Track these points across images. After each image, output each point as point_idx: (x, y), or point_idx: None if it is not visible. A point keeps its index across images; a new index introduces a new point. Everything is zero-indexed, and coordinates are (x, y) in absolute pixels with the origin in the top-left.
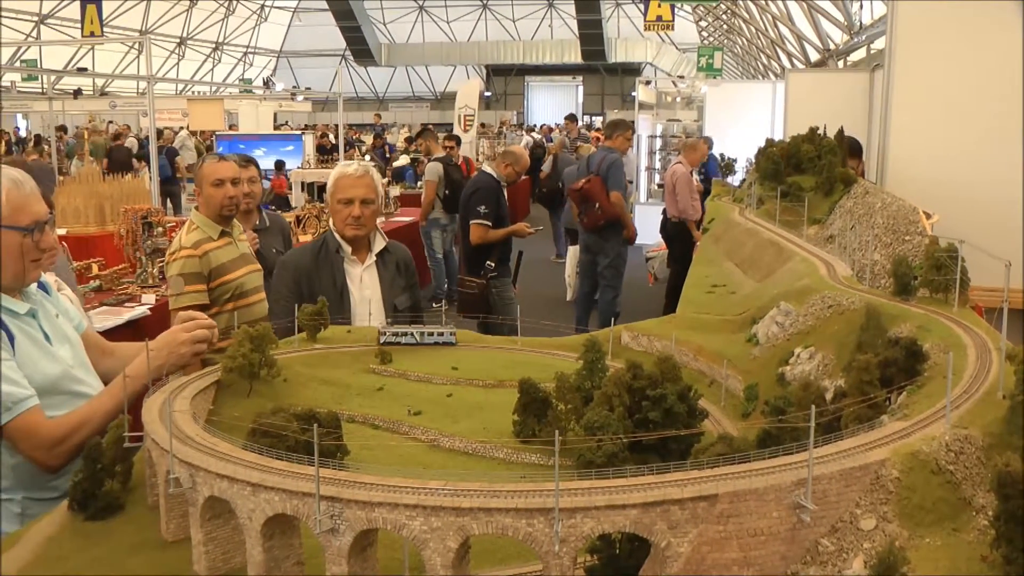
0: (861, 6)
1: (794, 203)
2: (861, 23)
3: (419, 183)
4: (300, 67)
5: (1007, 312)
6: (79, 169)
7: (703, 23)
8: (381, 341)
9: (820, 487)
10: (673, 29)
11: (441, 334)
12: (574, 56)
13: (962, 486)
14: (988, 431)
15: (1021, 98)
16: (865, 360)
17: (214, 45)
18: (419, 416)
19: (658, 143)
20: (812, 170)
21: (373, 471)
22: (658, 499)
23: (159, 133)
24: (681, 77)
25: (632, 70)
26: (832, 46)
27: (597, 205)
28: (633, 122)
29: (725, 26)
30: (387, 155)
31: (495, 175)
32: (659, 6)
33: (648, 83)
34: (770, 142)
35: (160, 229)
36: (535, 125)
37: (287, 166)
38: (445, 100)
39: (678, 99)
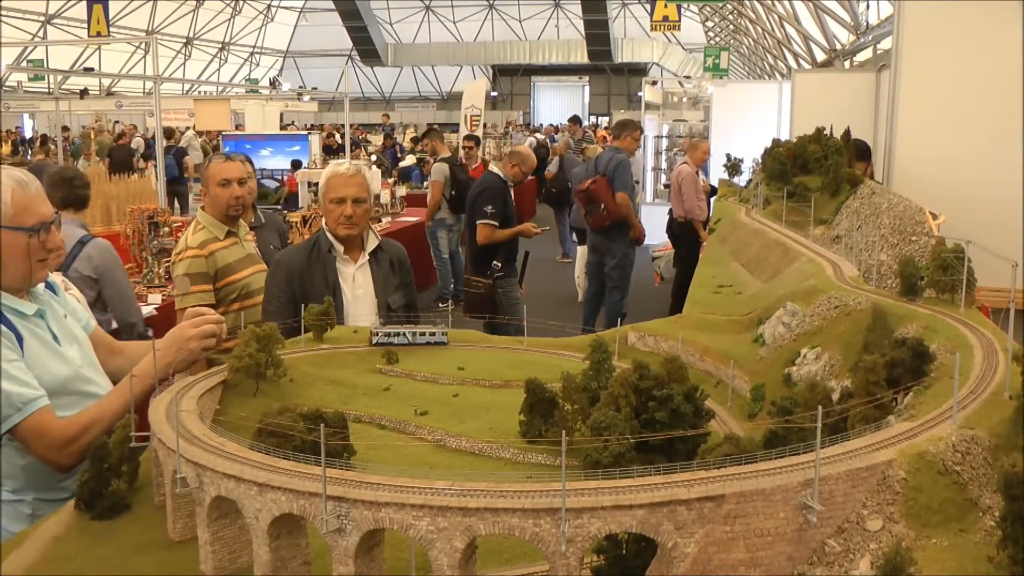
0: (867, 6)
1: (800, 203)
2: (867, 23)
3: (425, 183)
4: (306, 67)
5: (1014, 313)
6: (85, 169)
7: (709, 23)
8: (373, 342)
9: (827, 488)
10: (679, 29)
11: (433, 334)
12: (580, 56)
13: (969, 487)
14: (995, 432)
15: None
16: (872, 361)
17: (220, 45)
18: (425, 416)
19: (664, 143)
20: (818, 170)
21: (380, 471)
22: (665, 499)
23: (169, 133)
24: (687, 77)
25: (638, 70)
26: (838, 46)
27: (603, 206)
28: (640, 123)
29: (731, 26)
30: (398, 156)
31: (502, 175)
32: (665, 6)
33: (654, 83)
34: (776, 142)
35: (166, 229)
36: (540, 125)
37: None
38: (451, 100)
39: (684, 99)
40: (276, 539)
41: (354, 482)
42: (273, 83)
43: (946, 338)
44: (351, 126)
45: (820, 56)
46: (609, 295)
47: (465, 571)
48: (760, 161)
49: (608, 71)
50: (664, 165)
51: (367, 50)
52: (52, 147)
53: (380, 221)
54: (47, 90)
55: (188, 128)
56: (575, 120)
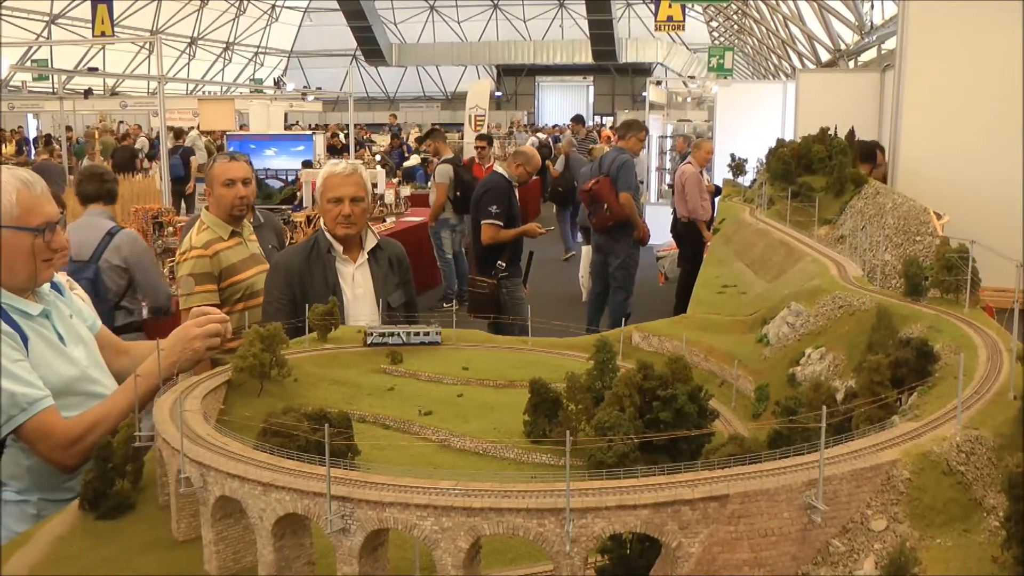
0: (872, 6)
1: (805, 203)
2: (872, 23)
3: (428, 183)
4: (311, 67)
5: (1018, 313)
6: None
7: (714, 23)
8: (367, 342)
9: (831, 488)
10: (684, 29)
11: (427, 334)
12: (585, 56)
13: (973, 487)
14: (999, 432)
15: None
16: (876, 361)
17: (225, 45)
18: (430, 416)
19: (668, 143)
20: (823, 170)
21: (384, 471)
22: (669, 499)
23: (179, 133)
24: (692, 77)
25: (643, 70)
26: (843, 46)
27: (606, 206)
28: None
29: (736, 26)
30: (405, 156)
31: (506, 175)
32: (670, 6)
33: (659, 83)
34: (781, 142)
35: (170, 229)
36: (545, 124)
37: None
38: (456, 100)
39: (689, 99)
40: (280, 539)
41: (358, 482)
42: (277, 83)
43: (950, 338)
44: (356, 126)
45: (824, 56)
46: (613, 295)
47: (469, 571)
48: (764, 161)
49: (612, 71)
50: (668, 165)
51: (371, 50)
52: (56, 147)
53: (384, 221)
54: (51, 90)
55: (192, 128)
56: (577, 120)
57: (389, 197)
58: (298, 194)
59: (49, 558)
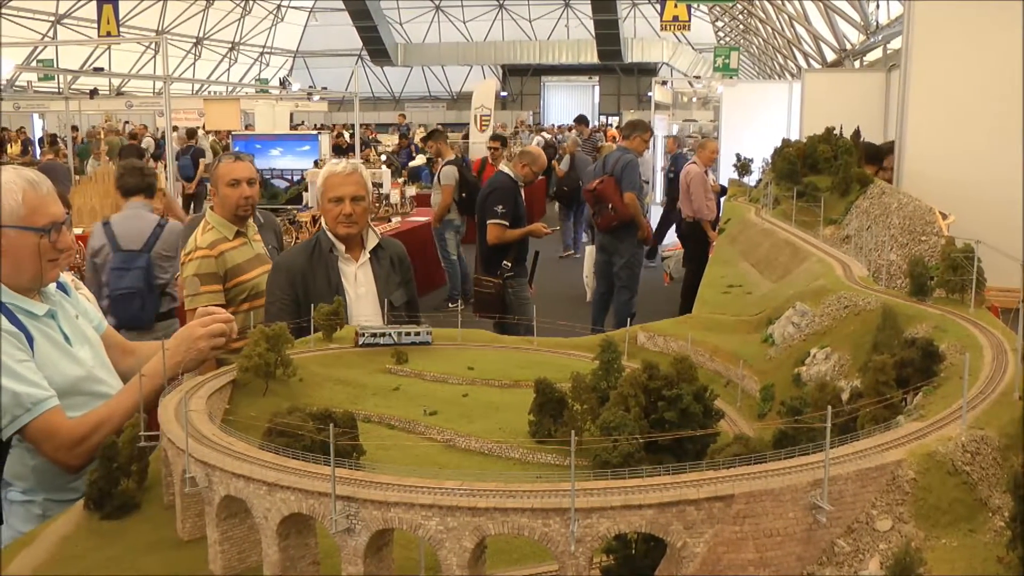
0: (878, 6)
1: (810, 203)
2: (877, 23)
3: (432, 182)
4: (316, 67)
5: (1023, 313)
6: (95, 169)
7: (719, 23)
8: (360, 343)
9: (836, 488)
10: (689, 29)
11: (418, 334)
12: (590, 56)
13: (978, 487)
14: (1004, 432)
15: None
16: (881, 361)
17: (230, 45)
18: (435, 416)
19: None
20: (828, 170)
21: (389, 471)
22: (674, 499)
23: (191, 133)
24: (697, 77)
25: (648, 70)
26: (848, 46)
27: (610, 206)
28: (649, 123)
29: (741, 26)
30: (413, 156)
31: (512, 175)
32: (675, 6)
33: (664, 83)
34: (786, 142)
35: None
36: (552, 125)
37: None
38: (461, 100)
39: (694, 99)
40: (285, 539)
41: (363, 482)
42: (283, 83)
43: (956, 338)
44: (364, 125)
45: (830, 56)
46: (618, 295)
47: (474, 571)
48: (770, 161)
49: (618, 71)
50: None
51: (377, 50)
52: (62, 147)
53: (390, 221)
54: (57, 90)
55: (198, 128)
56: (581, 120)
57: (395, 197)
58: (304, 194)
59: (54, 558)
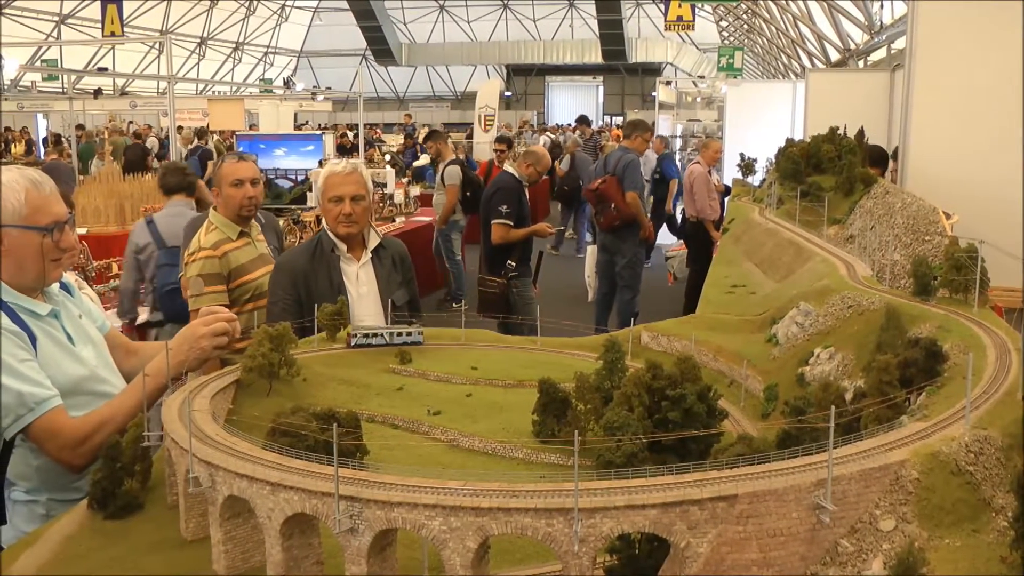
0: (882, 6)
1: (814, 203)
2: (881, 22)
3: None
4: (320, 67)
5: None
6: (99, 169)
7: (723, 23)
8: (351, 343)
9: (840, 488)
10: (693, 29)
11: (410, 334)
12: (594, 56)
13: (982, 487)
14: (1007, 432)
15: None
16: (885, 360)
17: (234, 45)
18: (438, 416)
19: (678, 143)
20: (832, 170)
21: (392, 471)
22: (678, 499)
23: (201, 133)
24: (701, 77)
25: (652, 70)
26: (852, 46)
27: (613, 205)
28: (654, 123)
29: (745, 26)
30: (418, 156)
31: (516, 175)
32: (680, 6)
33: (668, 83)
34: (790, 142)
35: None
36: (557, 125)
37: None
38: (465, 100)
39: (698, 99)
40: (289, 538)
41: (367, 482)
42: (287, 83)
43: (959, 338)
44: (371, 125)
45: (834, 56)
46: (620, 294)
47: (478, 571)
48: (774, 161)
49: (622, 71)
50: (678, 165)
51: (381, 50)
52: (66, 146)
53: (394, 221)
54: (61, 90)
55: (202, 128)
56: (583, 120)
57: (399, 197)
58: (308, 194)
59: (58, 557)
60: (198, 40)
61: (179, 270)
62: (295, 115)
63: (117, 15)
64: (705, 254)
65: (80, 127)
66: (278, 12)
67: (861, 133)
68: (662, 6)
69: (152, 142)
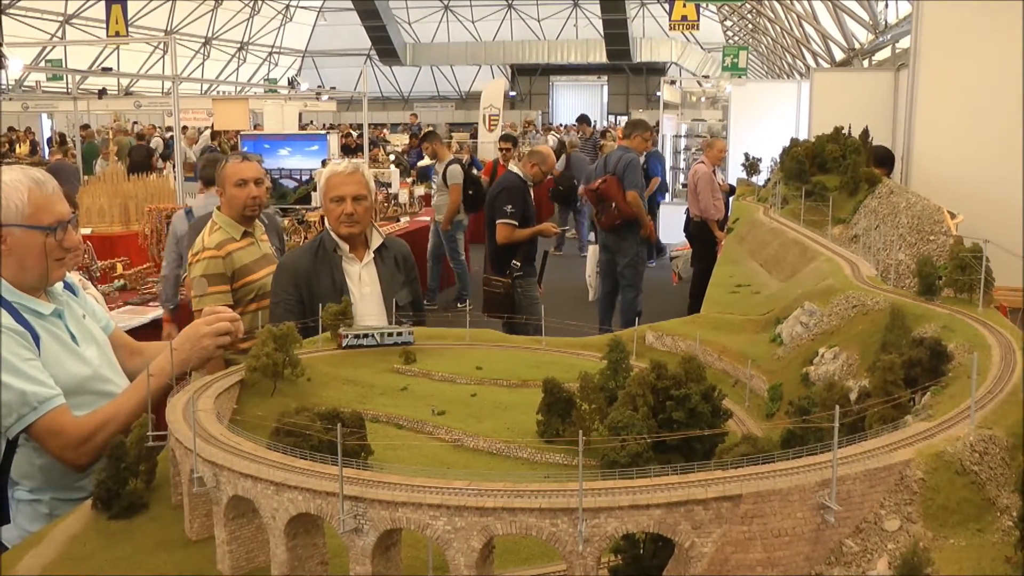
0: (886, 5)
1: (819, 203)
2: (886, 22)
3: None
4: (325, 67)
5: None
6: (103, 169)
7: (728, 23)
8: (343, 344)
9: (844, 488)
10: (698, 29)
11: (400, 334)
12: (599, 56)
13: (986, 487)
14: (1012, 431)
15: None
16: (889, 360)
17: (239, 45)
18: (443, 416)
19: (683, 143)
20: (837, 170)
21: (397, 471)
22: (682, 499)
23: (214, 134)
24: (706, 77)
25: (657, 70)
26: (857, 45)
27: (613, 205)
28: (658, 123)
29: (750, 25)
30: (423, 156)
31: (521, 175)
32: (684, 6)
33: (673, 83)
34: (795, 142)
35: None
36: (560, 125)
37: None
38: (470, 100)
39: (703, 99)
40: (293, 539)
41: (371, 482)
42: (292, 83)
43: (964, 338)
44: (375, 125)
45: (839, 55)
46: (623, 293)
47: (482, 571)
48: (778, 160)
49: (627, 71)
50: (683, 164)
51: (385, 49)
52: (71, 146)
53: (398, 221)
54: (65, 90)
55: (206, 128)
56: (583, 120)
57: (403, 196)
58: (312, 194)
59: (62, 557)
60: (202, 40)
61: None
62: (299, 115)
63: (121, 15)
64: (709, 254)
65: (85, 127)
66: (282, 12)
67: (866, 133)
68: (667, 6)
69: (156, 142)
